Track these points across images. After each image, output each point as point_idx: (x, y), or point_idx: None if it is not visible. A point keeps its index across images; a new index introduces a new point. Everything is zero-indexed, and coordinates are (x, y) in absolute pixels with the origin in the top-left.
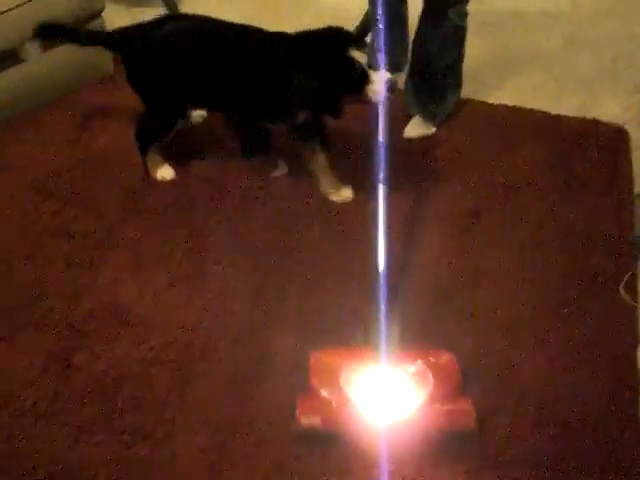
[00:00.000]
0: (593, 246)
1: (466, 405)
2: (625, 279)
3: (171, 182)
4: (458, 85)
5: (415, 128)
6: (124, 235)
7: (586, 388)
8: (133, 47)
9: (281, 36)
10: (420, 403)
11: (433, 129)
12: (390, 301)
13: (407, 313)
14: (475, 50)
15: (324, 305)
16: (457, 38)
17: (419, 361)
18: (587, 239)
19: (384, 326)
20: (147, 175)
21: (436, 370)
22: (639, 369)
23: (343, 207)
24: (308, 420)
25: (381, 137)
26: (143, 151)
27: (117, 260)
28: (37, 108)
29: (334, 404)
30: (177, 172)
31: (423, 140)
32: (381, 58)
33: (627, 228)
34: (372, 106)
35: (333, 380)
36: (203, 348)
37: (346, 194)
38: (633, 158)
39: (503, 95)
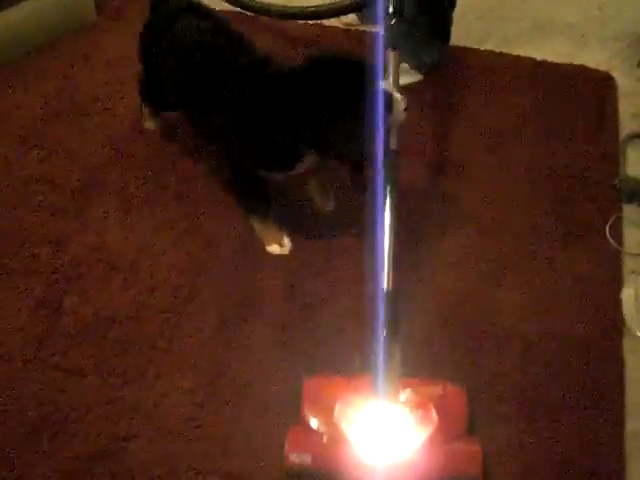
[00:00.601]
0: (579, 190)
1: (472, 446)
2: (610, 223)
3: (159, 133)
4: (447, 33)
5: (403, 76)
6: (109, 182)
7: (571, 329)
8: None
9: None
10: (421, 443)
11: (421, 77)
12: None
13: None
14: None
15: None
16: None
17: (422, 395)
18: (573, 184)
19: (384, 354)
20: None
21: (441, 405)
22: (623, 310)
23: None
24: (298, 458)
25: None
26: (142, 101)
27: (103, 207)
28: (20, 56)
29: (327, 440)
30: (166, 124)
31: (410, 87)
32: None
33: (612, 173)
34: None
35: (327, 412)
36: (190, 291)
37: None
38: (619, 104)
39: (489, 42)
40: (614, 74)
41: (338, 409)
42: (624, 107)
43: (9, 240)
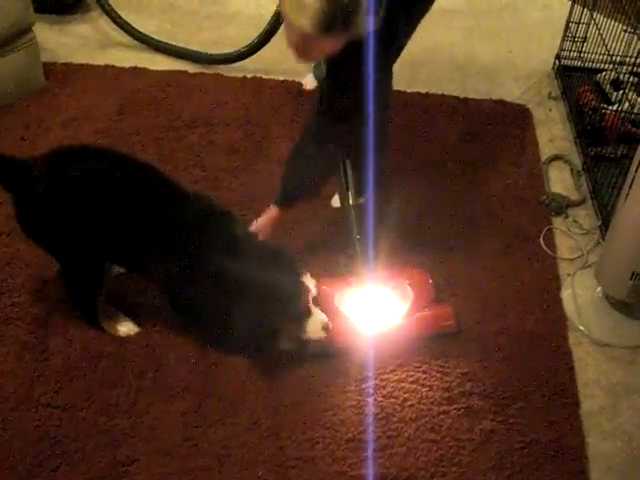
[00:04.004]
0: (512, 208)
1: (445, 308)
2: (543, 234)
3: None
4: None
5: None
6: None
7: (522, 328)
8: None
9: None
10: (404, 312)
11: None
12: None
13: None
14: None
15: None
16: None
17: (398, 278)
18: (506, 202)
19: (364, 252)
20: None
21: (412, 284)
22: (565, 308)
23: None
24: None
25: None
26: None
27: None
28: None
29: (334, 323)
30: None
31: None
32: None
33: (539, 191)
34: None
35: (329, 304)
36: (170, 325)
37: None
38: (537, 132)
39: (416, 84)
40: (529, 106)
41: (337, 298)
42: (541, 134)
43: None
